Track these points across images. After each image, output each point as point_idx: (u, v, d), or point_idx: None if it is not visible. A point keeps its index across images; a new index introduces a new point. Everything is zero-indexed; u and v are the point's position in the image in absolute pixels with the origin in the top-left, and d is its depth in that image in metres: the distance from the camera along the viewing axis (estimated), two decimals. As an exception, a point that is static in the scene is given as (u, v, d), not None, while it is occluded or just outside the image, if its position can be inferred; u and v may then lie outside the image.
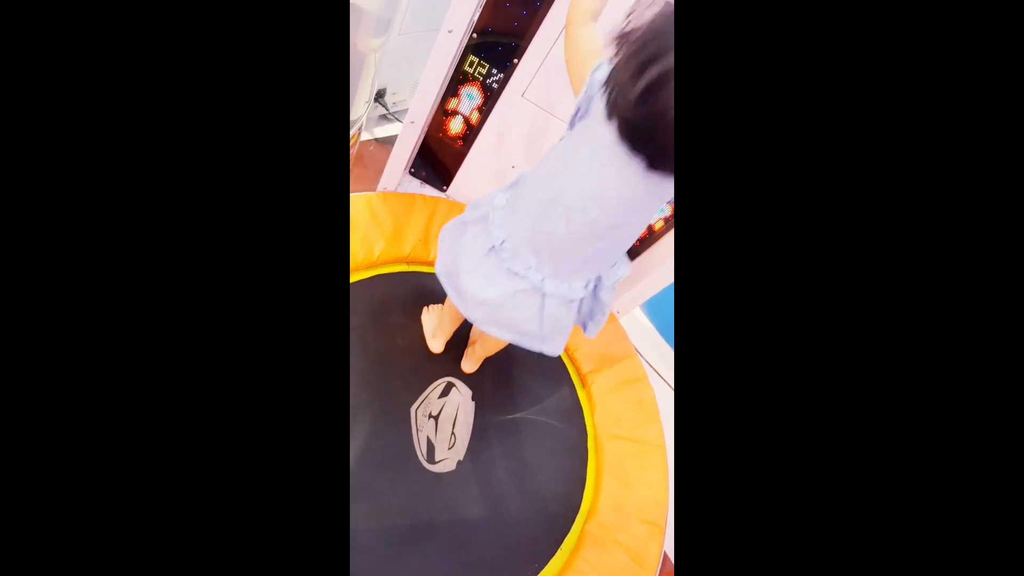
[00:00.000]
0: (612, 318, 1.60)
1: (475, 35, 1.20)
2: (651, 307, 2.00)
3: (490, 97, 1.31)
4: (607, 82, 0.75)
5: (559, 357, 1.46)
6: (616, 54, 0.74)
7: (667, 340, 2.00)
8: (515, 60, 1.22)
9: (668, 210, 1.43)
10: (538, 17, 1.14)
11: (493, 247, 0.94)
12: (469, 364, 1.34)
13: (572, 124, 0.84)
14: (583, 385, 1.45)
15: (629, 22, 0.74)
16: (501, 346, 1.26)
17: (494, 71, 1.26)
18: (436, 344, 1.32)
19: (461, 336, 1.35)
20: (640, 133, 0.73)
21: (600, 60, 0.79)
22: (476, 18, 1.16)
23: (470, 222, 1.00)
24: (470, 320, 1.03)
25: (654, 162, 0.75)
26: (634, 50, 0.71)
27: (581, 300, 0.99)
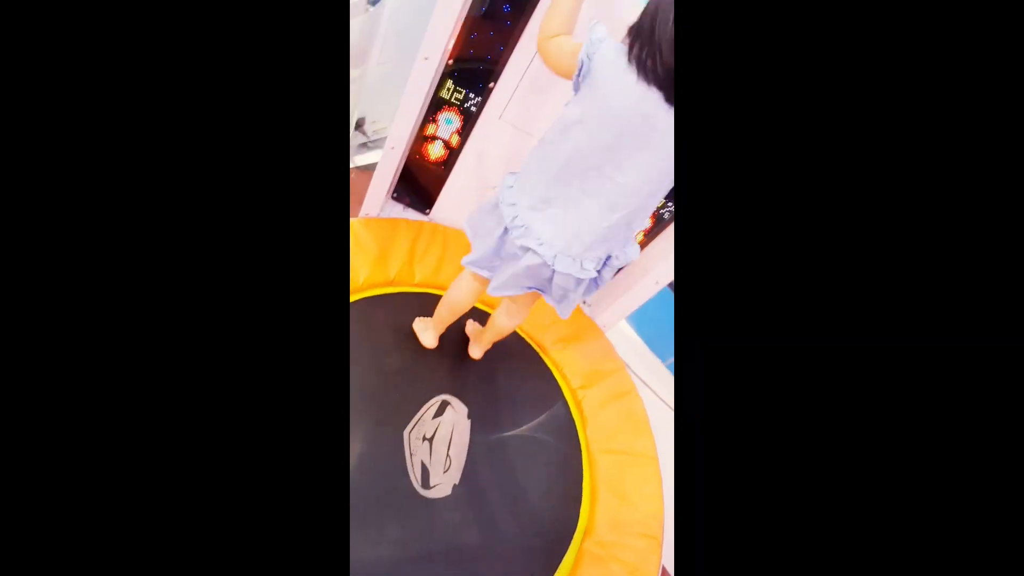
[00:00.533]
0: (599, 332, 1.61)
1: (451, 62, 1.23)
2: (636, 319, 2.02)
3: (468, 120, 1.33)
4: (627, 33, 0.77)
5: (550, 373, 1.46)
6: None
7: (654, 351, 2.01)
8: (491, 84, 1.24)
9: (648, 223, 1.45)
10: (511, 42, 1.17)
11: (506, 228, 0.95)
12: (477, 349, 1.35)
13: (577, 87, 0.83)
14: (574, 400, 1.45)
15: None
16: (514, 327, 1.26)
17: (471, 95, 1.28)
18: (430, 338, 1.31)
19: (454, 343, 1.34)
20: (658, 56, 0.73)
21: (594, 22, 0.80)
22: (451, 45, 1.19)
23: (485, 210, 1.02)
24: (490, 290, 1.05)
25: (667, 93, 0.74)
26: None
27: (590, 280, 0.99)
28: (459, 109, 1.31)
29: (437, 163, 1.44)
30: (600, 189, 0.85)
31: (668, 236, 1.43)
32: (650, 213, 0.91)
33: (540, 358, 1.48)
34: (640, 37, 0.74)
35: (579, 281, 0.96)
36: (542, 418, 1.38)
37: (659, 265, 1.44)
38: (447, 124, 1.35)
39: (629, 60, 0.75)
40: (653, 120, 0.76)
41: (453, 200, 1.50)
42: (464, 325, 1.39)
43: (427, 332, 1.31)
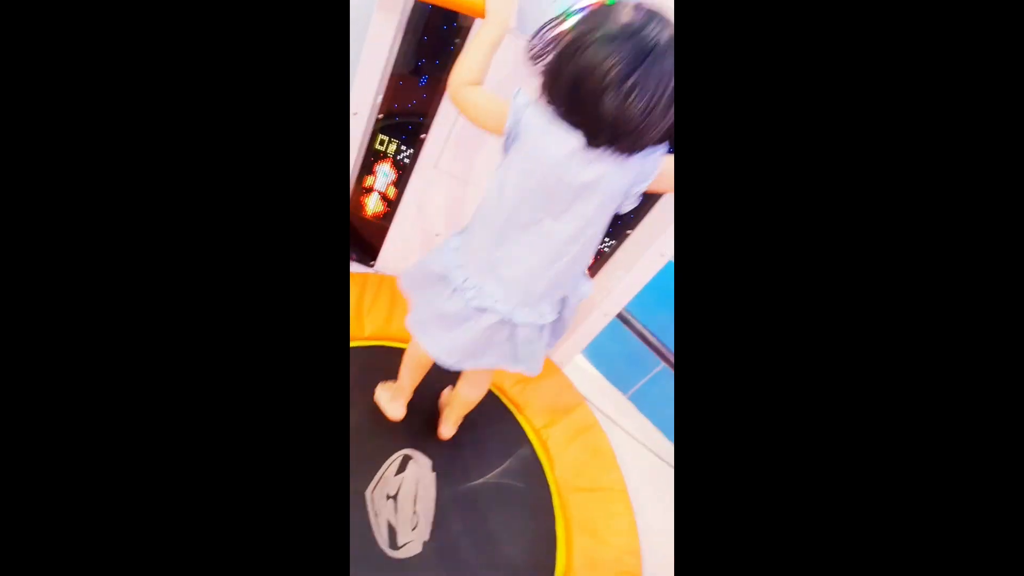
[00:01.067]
0: (556, 369, 1.61)
1: (381, 116, 1.25)
2: (592, 353, 2.03)
3: (404, 171, 1.34)
4: (542, 87, 0.81)
5: (511, 415, 1.44)
6: (542, 63, 0.81)
7: (614, 384, 2.02)
8: (422, 135, 1.26)
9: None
10: (438, 93, 1.20)
11: (456, 288, 0.94)
12: (448, 427, 1.29)
13: (507, 148, 0.87)
14: (539, 440, 1.43)
15: (537, 43, 0.84)
16: (483, 392, 1.22)
17: (404, 147, 1.30)
18: (397, 408, 1.26)
19: (415, 406, 1.31)
20: (582, 113, 0.77)
21: (516, 89, 0.84)
22: (380, 100, 1.21)
23: (425, 274, 1.00)
24: (442, 363, 1.01)
25: (599, 142, 0.78)
26: (561, 48, 0.78)
27: (551, 323, 1.00)
28: (393, 161, 1.33)
29: (376, 216, 1.44)
30: (543, 241, 0.88)
31: (609, 270, 1.47)
32: (595, 251, 0.95)
33: (499, 400, 1.46)
34: (559, 95, 0.79)
35: (541, 328, 0.98)
36: (508, 463, 1.35)
37: (605, 298, 1.46)
38: (384, 176, 1.36)
39: (553, 117, 0.80)
40: (583, 172, 0.81)
41: (397, 250, 1.50)
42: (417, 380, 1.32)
43: (393, 403, 1.26)
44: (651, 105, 0.75)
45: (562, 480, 1.34)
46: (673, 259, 1.39)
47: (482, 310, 0.94)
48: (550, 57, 0.81)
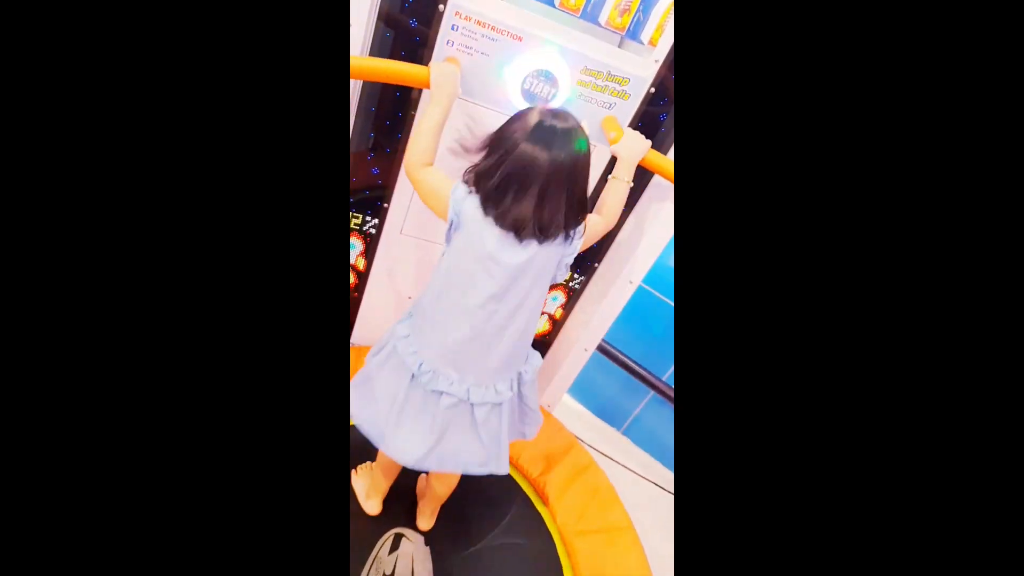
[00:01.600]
0: (545, 413, 1.61)
1: (342, 191, 1.28)
2: (579, 392, 2.04)
3: (371, 242, 1.37)
4: (474, 183, 0.89)
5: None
6: (473, 161, 0.90)
7: (604, 420, 2.02)
8: (385, 204, 1.30)
9: (562, 297, 1.51)
10: (395, 164, 1.24)
11: (413, 375, 0.97)
12: (425, 520, 1.26)
13: (448, 239, 0.94)
14: (536, 491, 1.41)
15: (466, 140, 0.91)
16: (452, 485, 1.21)
17: (368, 217, 1.33)
18: (372, 506, 1.25)
19: (397, 491, 1.28)
20: (509, 213, 0.86)
21: (453, 183, 0.91)
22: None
23: (377, 366, 1.02)
24: (407, 464, 1.01)
25: (526, 237, 0.88)
26: (488, 148, 0.88)
27: (508, 402, 1.02)
28: (359, 232, 1.36)
29: (349, 288, 1.46)
30: (490, 322, 0.94)
31: (584, 306, 1.50)
32: (536, 324, 1.02)
33: (493, 455, 1.45)
34: (488, 191, 0.88)
35: (497, 406, 1.01)
36: (507, 520, 1.33)
37: (583, 333, 1.49)
38: (351, 248, 1.38)
39: (485, 213, 0.88)
40: (516, 257, 0.90)
41: (371, 320, 1.51)
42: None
43: (369, 501, 1.25)
44: (567, 202, 0.88)
45: (564, 526, 1.33)
46: (642, 284, 1.43)
47: (439, 393, 0.97)
48: (481, 157, 0.90)
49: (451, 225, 0.93)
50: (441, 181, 0.94)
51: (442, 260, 0.97)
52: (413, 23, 1.05)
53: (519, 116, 0.88)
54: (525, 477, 1.44)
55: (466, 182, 0.91)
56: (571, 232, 0.93)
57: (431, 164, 0.96)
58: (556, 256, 0.94)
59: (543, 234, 0.89)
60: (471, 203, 0.90)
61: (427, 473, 1.27)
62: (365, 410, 1.02)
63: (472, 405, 0.98)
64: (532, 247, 0.89)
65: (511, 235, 0.88)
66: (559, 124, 0.85)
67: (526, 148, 0.83)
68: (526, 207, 0.85)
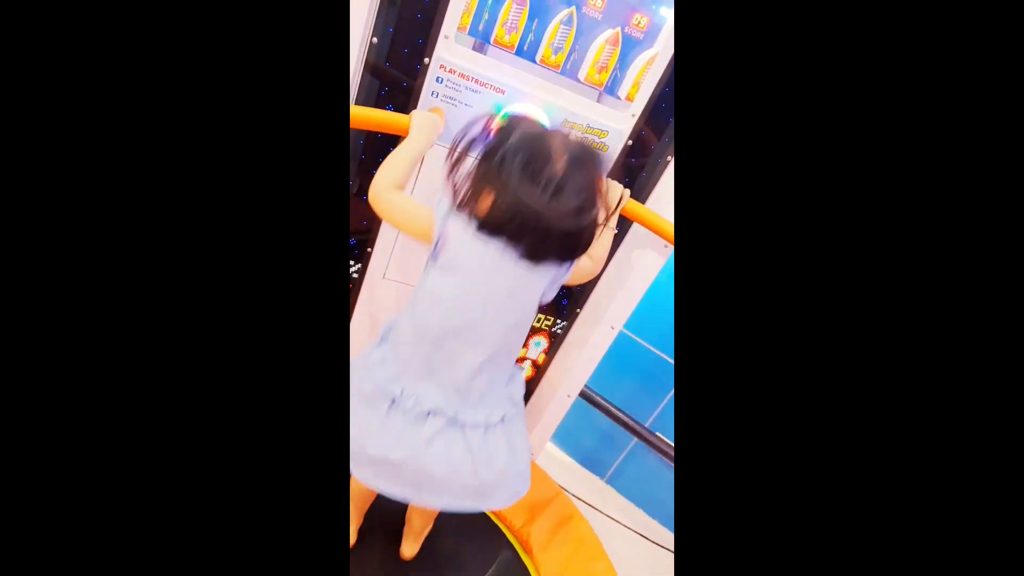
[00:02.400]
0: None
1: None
2: (562, 440, 2.01)
3: (354, 286, 1.37)
4: (461, 199, 0.86)
5: (488, 519, 1.39)
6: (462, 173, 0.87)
7: (588, 469, 1.99)
8: (368, 249, 1.31)
9: (545, 343, 1.52)
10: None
11: (394, 400, 0.92)
12: (409, 546, 1.21)
13: (435, 255, 0.90)
14: (520, 541, 1.38)
15: (460, 143, 0.88)
16: (431, 517, 1.18)
17: (351, 263, 1.34)
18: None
19: (378, 525, 1.24)
20: (505, 223, 0.83)
21: (437, 197, 0.90)
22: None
23: (359, 395, 0.96)
24: (396, 497, 0.95)
25: (521, 250, 0.85)
26: (486, 151, 0.85)
27: (501, 426, 0.97)
28: (342, 277, 1.36)
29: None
30: (480, 341, 0.91)
31: (567, 351, 1.50)
32: (523, 341, 0.99)
33: (475, 505, 1.42)
34: (480, 207, 0.85)
35: (489, 427, 0.96)
36: (492, 571, 1.29)
37: (566, 379, 1.48)
38: (333, 293, 1.38)
39: (476, 229, 0.86)
40: (508, 276, 0.88)
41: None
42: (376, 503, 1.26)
43: None
44: (575, 212, 0.83)
45: (550, 579, 1.29)
46: (623, 330, 1.44)
47: (425, 416, 0.91)
48: (471, 167, 0.89)
49: (437, 242, 0.89)
50: (417, 202, 0.92)
51: (425, 278, 0.93)
52: (399, 75, 1.09)
53: (509, 129, 0.86)
54: (508, 527, 1.40)
55: (453, 198, 0.88)
56: (573, 257, 0.92)
57: (401, 189, 0.95)
58: (547, 280, 0.92)
59: (538, 257, 0.87)
60: (459, 220, 0.88)
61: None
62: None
63: (463, 427, 0.93)
64: (522, 268, 0.87)
65: (501, 252, 0.86)
66: (571, 147, 0.84)
67: (525, 164, 0.81)
68: (528, 220, 0.82)
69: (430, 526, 1.22)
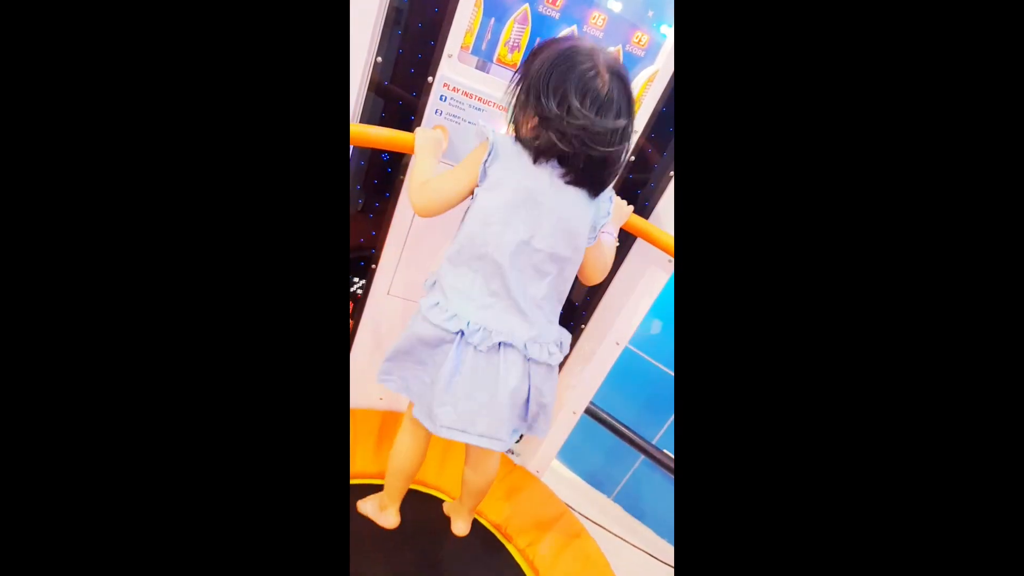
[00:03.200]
0: (534, 479, 1.57)
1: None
2: (568, 457, 1.99)
3: (359, 303, 1.38)
4: (517, 112, 0.87)
5: (494, 536, 1.37)
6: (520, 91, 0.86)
7: (594, 487, 1.97)
8: (373, 266, 1.32)
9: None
10: (383, 227, 1.27)
11: (462, 332, 0.90)
12: (462, 523, 1.20)
13: (484, 175, 0.89)
14: (525, 560, 1.36)
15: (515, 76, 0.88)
16: (488, 484, 1.15)
17: (355, 279, 1.34)
18: (390, 517, 1.17)
19: (387, 537, 1.23)
20: (562, 146, 0.83)
21: (488, 128, 0.90)
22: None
23: (420, 341, 0.95)
24: (451, 435, 0.94)
25: (568, 178, 0.86)
26: (533, 79, 0.84)
27: (553, 368, 0.98)
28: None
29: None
30: (534, 260, 0.90)
31: (572, 367, 1.50)
32: (572, 275, 0.97)
33: (480, 523, 1.40)
34: (538, 130, 0.85)
35: (550, 370, 0.97)
36: (496, 590, 1.27)
37: (571, 395, 1.48)
38: (338, 310, 1.39)
39: (528, 151, 0.86)
40: (558, 199, 0.88)
41: (357, 382, 1.49)
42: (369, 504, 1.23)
43: (384, 513, 1.17)
44: (619, 138, 0.84)
45: (557, 599, 1.27)
46: (629, 346, 1.44)
47: (496, 346, 0.91)
48: (525, 91, 0.87)
49: (489, 154, 0.88)
50: (465, 176, 0.91)
51: (473, 210, 0.92)
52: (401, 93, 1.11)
53: (568, 54, 0.84)
54: (515, 547, 1.38)
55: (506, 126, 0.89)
56: (606, 190, 0.92)
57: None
58: (591, 212, 0.92)
59: (587, 178, 0.87)
60: (507, 140, 0.88)
61: (454, 498, 1.22)
62: (411, 382, 0.98)
63: (529, 361, 0.93)
64: (571, 194, 0.88)
65: (555, 172, 0.86)
66: (613, 68, 0.84)
67: (583, 86, 0.81)
68: (584, 141, 0.83)
69: (481, 498, 1.19)
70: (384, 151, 1.19)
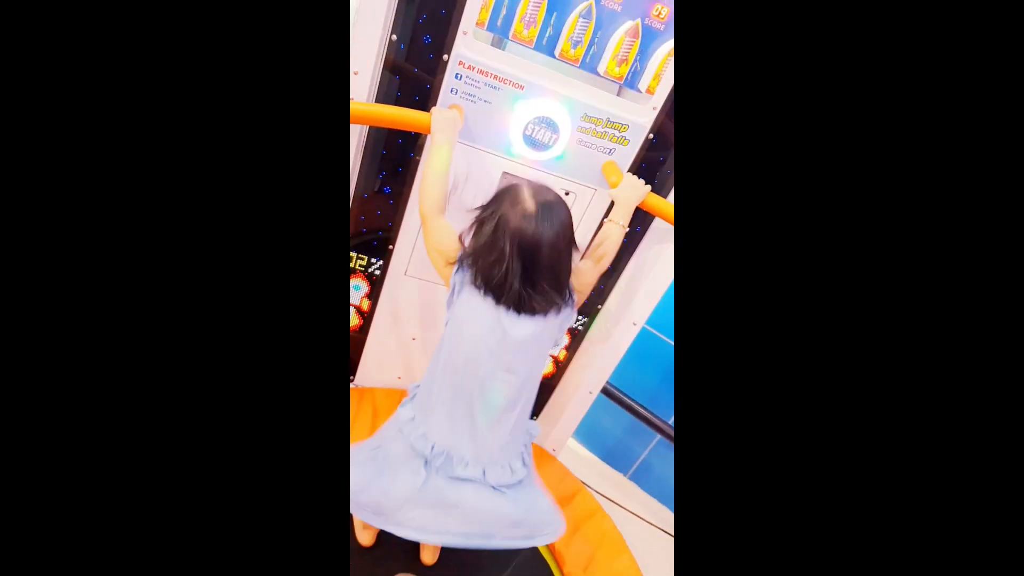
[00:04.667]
0: (551, 458, 1.58)
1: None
2: (585, 436, 2.00)
3: (376, 283, 1.38)
4: (467, 258, 0.92)
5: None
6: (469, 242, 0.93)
7: (611, 465, 1.98)
8: (390, 247, 1.32)
9: (566, 339, 1.51)
10: (400, 209, 1.27)
11: (426, 459, 0.96)
12: (428, 553, 1.23)
13: (449, 305, 0.96)
14: (542, 537, 1.38)
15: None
16: None
17: (373, 260, 1.35)
18: (367, 535, 1.21)
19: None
20: (499, 286, 0.89)
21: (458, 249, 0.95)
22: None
23: (390, 456, 1.00)
24: (442, 544, 1.03)
25: (524, 311, 0.90)
26: (477, 225, 0.91)
27: (526, 482, 1.03)
28: (364, 275, 1.37)
29: (353, 330, 1.47)
30: (501, 390, 0.95)
31: (587, 349, 1.49)
32: (535, 391, 1.02)
33: (497, 500, 1.42)
34: (479, 269, 0.91)
35: (512, 486, 1.01)
36: (513, 566, 1.29)
37: (586, 376, 1.48)
38: (356, 290, 1.40)
39: (483, 292, 0.91)
40: (517, 331, 0.92)
41: (376, 361, 1.51)
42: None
43: (366, 531, 1.21)
44: (554, 275, 0.90)
45: (572, 574, 1.29)
46: (645, 326, 1.43)
47: (457, 481, 0.96)
48: (471, 234, 0.93)
49: (452, 291, 0.95)
50: (451, 238, 0.96)
51: (445, 336, 0.98)
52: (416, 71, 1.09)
53: (503, 195, 0.90)
54: (530, 523, 1.40)
55: (459, 259, 0.94)
56: (565, 301, 0.96)
57: (443, 212, 0.99)
58: (556, 325, 0.96)
59: (538, 308, 0.91)
60: (464, 275, 0.93)
61: None
62: (372, 486, 1.00)
63: (492, 488, 0.98)
64: (533, 320, 0.92)
65: (511, 310, 0.91)
66: (542, 198, 0.88)
67: (511, 224, 0.86)
68: (517, 283, 0.88)
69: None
70: (399, 135, 1.18)
